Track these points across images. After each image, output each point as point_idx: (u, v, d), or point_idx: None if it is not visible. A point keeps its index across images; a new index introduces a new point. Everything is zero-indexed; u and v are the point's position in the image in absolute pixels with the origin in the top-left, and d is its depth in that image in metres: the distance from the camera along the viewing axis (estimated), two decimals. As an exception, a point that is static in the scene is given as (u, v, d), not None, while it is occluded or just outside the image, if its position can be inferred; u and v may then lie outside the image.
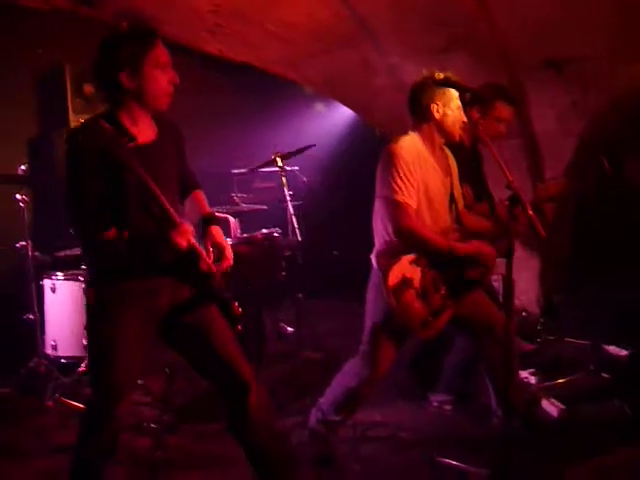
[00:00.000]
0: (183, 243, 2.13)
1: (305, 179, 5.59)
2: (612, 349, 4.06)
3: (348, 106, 5.79)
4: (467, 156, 3.24)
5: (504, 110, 3.34)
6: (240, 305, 2.40)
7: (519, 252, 5.09)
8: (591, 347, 4.10)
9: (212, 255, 2.31)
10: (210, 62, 5.28)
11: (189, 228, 2.18)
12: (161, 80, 2.18)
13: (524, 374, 3.70)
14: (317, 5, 4.36)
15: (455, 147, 2.95)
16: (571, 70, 4.13)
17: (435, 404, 3.45)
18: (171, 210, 2.17)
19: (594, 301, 4.71)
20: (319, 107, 6.48)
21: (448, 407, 3.42)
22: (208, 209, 2.49)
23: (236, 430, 2.43)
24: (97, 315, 2.29)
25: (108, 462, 2.47)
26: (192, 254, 2.19)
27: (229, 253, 2.35)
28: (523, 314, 4.87)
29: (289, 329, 4.64)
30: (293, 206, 4.45)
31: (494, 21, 4.19)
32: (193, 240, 2.18)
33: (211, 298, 2.32)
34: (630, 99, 4.31)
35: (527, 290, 5.16)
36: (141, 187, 2.12)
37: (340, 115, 6.35)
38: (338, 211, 6.02)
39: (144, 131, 2.25)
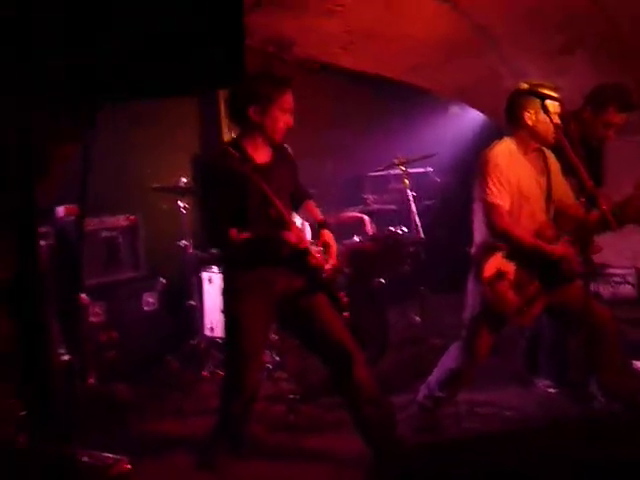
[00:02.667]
0: (294, 240, 2.65)
1: (438, 179, 5.92)
2: None
3: (478, 110, 6.03)
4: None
5: (615, 116, 3.37)
6: (363, 297, 2.88)
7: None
8: None
9: (322, 253, 2.82)
10: (345, 75, 5.77)
11: (299, 229, 2.71)
12: (280, 121, 2.74)
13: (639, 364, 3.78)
14: (438, 19, 4.69)
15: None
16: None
17: (541, 387, 3.68)
18: (286, 213, 2.70)
19: None
20: (453, 109, 6.75)
21: (552, 390, 3.63)
22: (320, 216, 3.01)
23: (343, 397, 2.90)
24: (227, 298, 2.89)
25: (246, 421, 3.05)
26: (303, 251, 2.71)
27: (334, 252, 2.84)
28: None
29: (417, 318, 5.00)
30: (424, 205, 4.85)
31: (611, 17, 4.27)
32: (304, 239, 2.71)
33: (319, 288, 2.82)
34: None
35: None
36: (261, 196, 2.67)
37: (474, 117, 6.57)
38: (469, 210, 6.24)
39: (262, 154, 2.82)
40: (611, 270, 5.29)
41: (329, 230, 2.93)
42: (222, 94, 5.23)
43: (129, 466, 2.31)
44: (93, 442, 2.48)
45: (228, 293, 2.91)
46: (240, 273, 2.83)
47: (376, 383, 2.89)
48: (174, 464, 3.09)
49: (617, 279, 5.35)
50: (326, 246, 2.86)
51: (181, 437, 3.41)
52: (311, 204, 3.06)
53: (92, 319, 4.19)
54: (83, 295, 4.14)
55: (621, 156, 4.57)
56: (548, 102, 2.89)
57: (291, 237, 2.68)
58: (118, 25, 0.87)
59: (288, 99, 2.75)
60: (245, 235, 2.69)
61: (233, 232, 2.69)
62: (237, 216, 2.74)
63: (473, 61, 5.18)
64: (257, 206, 2.72)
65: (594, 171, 3.59)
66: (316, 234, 2.92)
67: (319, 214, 3.02)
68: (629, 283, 5.30)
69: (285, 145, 2.96)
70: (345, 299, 2.87)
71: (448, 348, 3.31)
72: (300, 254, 2.72)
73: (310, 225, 2.97)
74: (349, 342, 2.83)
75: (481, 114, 6.28)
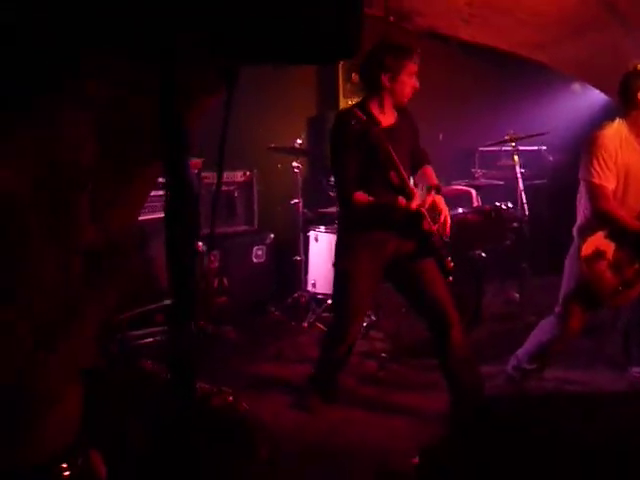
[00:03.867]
0: (413, 206, 2.81)
1: (551, 158, 5.84)
2: None
3: (599, 89, 5.84)
4: None
5: None
6: (463, 267, 3.01)
7: None
8: None
9: (434, 217, 2.96)
10: (464, 47, 5.76)
11: (419, 194, 2.86)
12: (408, 85, 2.92)
13: None
14: (564, -7, 4.61)
15: None
16: None
17: (633, 374, 3.66)
18: (407, 179, 2.86)
19: None
20: (575, 87, 6.56)
21: (646, 378, 3.61)
22: (436, 181, 3.13)
23: (439, 357, 3.07)
24: (341, 254, 3.12)
25: (341, 369, 3.30)
26: (418, 216, 2.86)
27: (446, 218, 2.96)
28: None
29: (515, 295, 5.03)
30: (533, 184, 4.85)
31: None
32: (421, 204, 2.85)
33: (429, 252, 2.98)
34: None
35: None
36: (386, 160, 2.84)
37: (595, 96, 6.36)
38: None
39: (388, 117, 3.00)
40: None
41: (441, 196, 3.06)
42: (341, 62, 5.43)
43: (232, 398, 2.60)
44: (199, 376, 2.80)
45: (342, 249, 3.13)
46: (357, 232, 3.04)
47: (470, 348, 3.02)
48: (272, 401, 3.38)
49: None
50: (439, 212, 2.99)
51: (279, 379, 3.70)
52: (429, 169, 3.18)
53: (208, 266, 4.56)
54: (200, 243, 4.52)
55: None
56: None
57: (412, 204, 2.83)
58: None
59: (414, 64, 2.92)
60: (369, 199, 2.88)
61: (358, 195, 2.89)
62: (362, 176, 2.92)
63: (597, 37, 5.03)
64: (381, 168, 2.88)
65: None
66: (429, 196, 3.02)
67: (435, 179, 3.15)
68: None
69: (407, 109, 3.10)
70: (451, 264, 3.01)
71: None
72: (415, 219, 2.89)
73: (423, 188, 3.09)
74: (450, 305, 2.98)
75: (602, 93, 6.08)
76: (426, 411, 3.29)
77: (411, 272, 3.02)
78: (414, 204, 2.83)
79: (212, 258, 4.63)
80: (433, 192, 3.02)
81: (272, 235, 4.91)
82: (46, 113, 1.50)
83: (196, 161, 4.62)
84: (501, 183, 5.23)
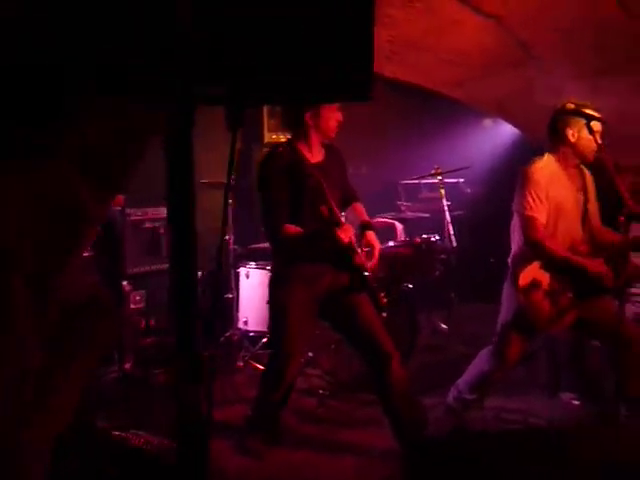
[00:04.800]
0: (345, 239, 2.80)
1: (469, 190, 6.03)
2: None
3: (512, 124, 6.13)
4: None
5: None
6: (396, 299, 3.02)
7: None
8: None
9: (365, 254, 2.97)
10: (386, 84, 5.91)
11: (350, 228, 2.85)
12: (332, 119, 2.91)
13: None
14: (481, 32, 4.80)
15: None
16: None
17: (564, 400, 3.77)
18: (338, 212, 2.85)
19: None
20: (487, 123, 6.86)
21: (576, 402, 3.72)
22: (366, 218, 3.16)
23: (379, 392, 3.04)
24: (276, 290, 3.05)
25: (282, 409, 3.20)
26: (350, 249, 2.86)
27: (377, 253, 2.99)
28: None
29: (443, 326, 5.12)
30: (453, 215, 4.98)
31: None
32: (352, 238, 2.85)
33: (362, 287, 2.97)
34: None
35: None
36: (316, 193, 2.81)
37: (507, 131, 6.68)
38: (498, 221, 6.36)
39: (315, 154, 3.00)
40: (635, 290, 5.36)
41: (373, 232, 3.07)
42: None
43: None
44: (133, 424, 2.65)
45: (276, 284, 3.07)
46: (290, 266, 2.99)
47: (408, 381, 3.01)
48: (211, 446, 3.23)
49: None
50: (371, 247, 3.00)
51: (216, 422, 3.55)
52: (359, 206, 3.21)
53: (132, 306, 4.36)
54: (125, 282, 4.34)
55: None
56: (593, 123, 3.01)
57: (343, 235, 2.82)
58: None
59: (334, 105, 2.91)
60: (297, 230, 2.85)
61: (289, 227, 2.85)
62: (290, 210, 2.90)
63: (512, 76, 5.28)
64: (311, 203, 2.87)
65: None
66: (361, 235, 3.05)
67: (365, 216, 3.16)
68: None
69: (336, 147, 3.11)
70: (384, 300, 3.01)
71: (473, 356, 3.44)
72: (347, 252, 2.87)
73: (354, 226, 3.11)
74: (387, 339, 2.97)
75: (513, 128, 6.39)
76: (371, 448, 3.25)
77: (345, 307, 3.00)
78: (345, 236, 2.81)
79: (137, 298, 4.44)
80: (366, 229, 3.07)
81: (200, 272, 4.77)
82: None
83: (119, 198, 4.45)
84: (427, 215, 5.34)
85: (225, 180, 4.57)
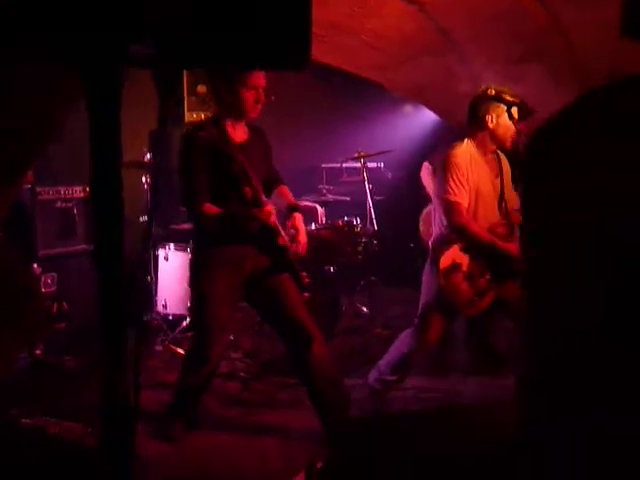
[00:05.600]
0: (267, 219, 2.75)
1: (390, 175, 6.10)
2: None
3: (432, 110, 6.23)
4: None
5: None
6: (318, 282, 3.01)
7: None
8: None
9: (290, 235, 2.93)
10: (309, 67, 5.86)
11: (273, 208, 2.81)
12: (248, 98, 2.82)
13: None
14: (404, 18, 4.83)
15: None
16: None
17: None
18: (261, 194, 2.79)
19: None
20: (407, 108, 6.94)
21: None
22: (292, 200, 3.11)
23: (301, 374, 3.02)
24: (198, 273, 2.98)
25: (203, 394, 3.14)
26: (273, 230, 2.82)
27: (302, 237, 2.97)
28: None
29: (364, 309, 5.17)
30: (374, 200, 5.02)
31: (567, 36, 4.53)
32: (274, 219, 2.81)
33: (285, 268, 2.94)
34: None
35: None
36: (239, 174, 2.75)
37: (426, 117, 6.79)
38: (418, 206, 6.48)
39: (239, 134, 2.92)
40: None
41: (300, 214, 3.04)
42: (186, 72, 5.28)
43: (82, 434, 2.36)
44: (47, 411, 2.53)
45: (198, 268, 2.99)
46: (211, 249, 2.92)
47: (332, 362, 3.02)
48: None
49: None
50: (296, 229, 2.96)
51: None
52: (285, 188, 3.16)
53: (44, 289, 4.16)
54: (35, 265, 4.13)
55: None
56: (513, 109, 3.09)
57: (263, 214, 2.77)
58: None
59: (251, 76, 2.80)
60: (218, 210, 2.77)
61: (207, 207, 2.77)
62: (213, 192, 2.81)
63: (432, 62, 5.36)
64: (234, 183, 2.80)
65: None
66: (288, 217, 3.01)
67: (292, 198, 3.12)
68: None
69: (261, 127, 3.04)
70: (307, 280, 2.99)
71: (393, 338, 3.49)
72: (269, 233, 2.83)
73: (280, 209, 3.07)
74: (309, 320, 2.96)
75: (432, 114, 6.50)
76: (294, 429, 3.25)
77: (267, 288, 2.97)
78: (267, 217, 2.78)
79: (49, 281, 4.24)
80: (293, 211, 3.03)
81: (117, 254, 4.59)
82: None
83: (28, 175, 4.22)
84: (347, 199, 5.37)
85: (141, 158, 4.38)
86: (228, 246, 2.89)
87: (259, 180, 2.91)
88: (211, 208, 2.80)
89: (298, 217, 3.01)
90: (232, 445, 3.10)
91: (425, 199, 4.82)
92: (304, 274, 3.03)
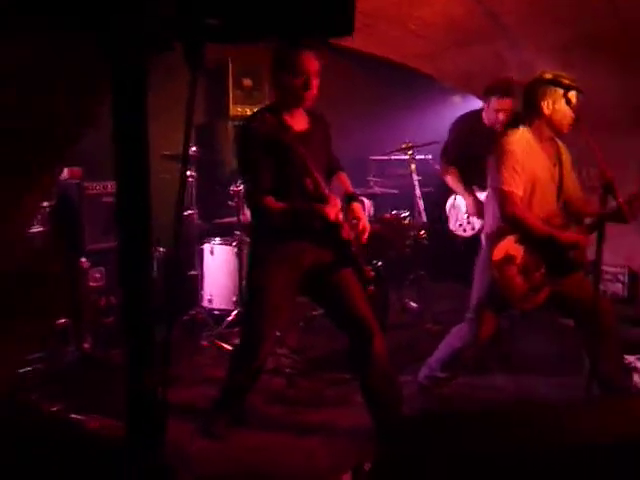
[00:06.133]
0: (332, 214, 2.65)
1: (438, 167, 5.93)
2: None
3: (481, 99, 6.04)
4: None
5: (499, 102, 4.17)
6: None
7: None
8: None
9: (352, 225, 2.82)
10: (356, 58, 5.77)
11: (337, 202, 2.70)
12: (297, 85, 2.70)
13: (631, 359, 3.85)
14: (452, 3, 4.70)
15: None
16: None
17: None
18: (323, 186, 2.69)
19: None
20: (455, 99, 6.76)
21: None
22: (351, 189, 3.01)
23: (359, 370, 2.92)
24: (254, 267, 2.90)
25: (249, 391, 3.08)
26: (336, 224, 2.70)
27: (365, 226, 2.84)
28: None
29: (413, 304, 5.04)
30: (423, 192, 4.88)
31: (622, 18, 4.30)
32: (339, 213, 2.70)
33: (348, 262, 2.83)
34: None
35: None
36: (299, 166, 2.66)
37: (475, 107, 6.58)
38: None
39: (298, 122, 2.81)
40: (604, 267, 5.35)
41: (359, 204, 2.92)
42: (232, 66, 5.23)
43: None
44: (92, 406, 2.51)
45: (255, 261, 2.92)
46: (271, 243, 2.83)
47: (389, 360, 2.91)
48: (174, 429, 3.07)
49: (609, 277, 5.41)
50: (357, 219, 2.86)
51: (180, 404, 3.39)
52: (344, 176, 3.05)
53: (92, 284, 4.18)
54: (83, 259, 4.14)
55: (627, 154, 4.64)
56: (570, 93, 2.92)
57: (330, 212, 2.66)
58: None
59: (304, 61, 2.69)
60: (281, 205, 2.69)
61: (269, 200, 2.69)
62: (275, 184, 2.72)
63: (481, 49, 5.19)
64: (295, 175, 2.70)
65: None
66: (347, 207, 2.89)
67: (350, 186, 3.01)
68: (620, 282, 5.37)
69: (321, 114, 2.94)
70: (371, 273, 2.88)
71: (443, 334, 3.37)
72: (333, 228, 2.72)
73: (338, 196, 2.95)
74: (371, 316, 2.86)
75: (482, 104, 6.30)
76: (340, 427, 3.17)
77: (330, 283, 2.86)
78: (332, 213, 2.67)
79: (97, 275, 4.25)
80: (352, 200, 2.91)
81: (161, 249, 4.58)
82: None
83: (75, 170, 4.24)
84: (395, 191, 5.24)
85: (191, 152, 4.34)
86: (289, 241, 2.81)
87: (321, 170, 2.81)
88: (274, 203, 2.71)
89: (357, 207, 2.89)
90: (277, 443, 3.03)
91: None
92: (368, 268, 2.92)
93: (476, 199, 4.24)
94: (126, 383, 0.99)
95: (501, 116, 4.14)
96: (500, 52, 5.15)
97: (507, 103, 4.14)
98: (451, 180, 4.42)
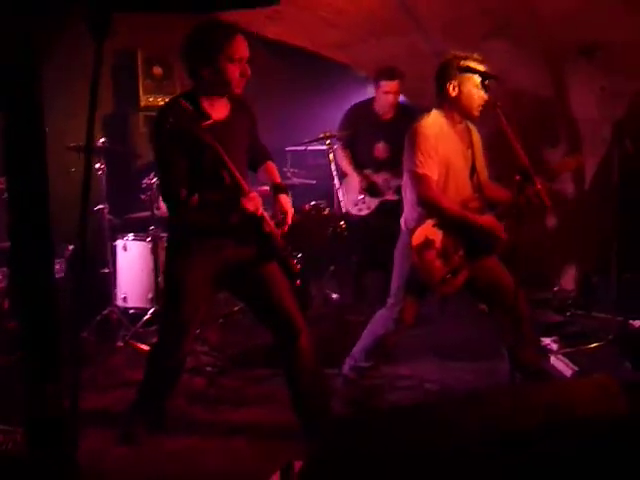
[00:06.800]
0: (251, 208, 2.54)
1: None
2: (637, 323, 4.25)
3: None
4: None
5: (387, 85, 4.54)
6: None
7: (561, 232, 5.32)
8: (616, 321, 4.27)
9: (277, 219, 2.72)
10: (270, 46, 5.66)
11: (256, 196, 2.58)
12: (233, 72, 2.55)
13: (547, 341, 3.97)
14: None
15: None
16: (605, 56, 4.31)
17: None
18: (241, 179, 2.57)
19: (627, 281, 4.78)
20: (371, 89, 6.77)
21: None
22: (279, 179, 2.89)
23: (285, 367, 2.84)
24: (172, 262, 2.76)
25: (171, 391, 2.94)
26: (257, 217, 2.59)
27: (290, 219, 2.75)
28: (555, 289, 5.10)
29: (334, 295, 5.00)
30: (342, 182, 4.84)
31: (535, 9, 4.41)
32: (260, 206, 2.58)
33: (272, 255, 2.72)
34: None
35: (564, 268, 5.38)
36: (215, 157, 2.53)
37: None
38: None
39: (219, 110, 2.65)
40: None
41: (286, 195, 2.83)
42: (141, 53, 5.01)
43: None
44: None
45: (172, 257, 2.76)
46: (188, 237, 2.69)
47: (316, 355, 2.84)
48: (91, 437, 2.91)
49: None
50: (284, 213, 2.76)
51: (96, 410, 3.22)
52: (272, 166, 2.93)
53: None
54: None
55: (537, 143, 4.77)
56: (478, 76, 2.94)
57: (247, 204, 2.55)
58: None
59: (235, 48, 2.53)
60: (196, 198, 2.56)
61: (184, 193, 2.55)
62: (191, 177, 2.58)
63: (396, 40, 5.20)
64: (211, 167, 2.57)
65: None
66: (274, 199, 2.78)
67: (278, 177, 2.91)
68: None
69: (244, 99, 2.79)
70: (297, 267, 2.80)
71: (365, 324, 3.33)
72: (253, 221, 2.61)
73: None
74: (297, 311, 2.78)
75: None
76: (265, 426, 3.08)
77: (254, 278, 2.76)
78: (250, 205, 2.56)
79: (-1, 277, 3.97)
80: (278, 191, 2.80)
81: (71, 246, 4.33)
82: None
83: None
84: (314, 182, 5.19)
85: (96, 143, 4.11)
86: (208, 234, 2.67)
87: (241, 160, 2.68)
88: (190, 196, 2.57)
89: (284, 198, 2.78)
90: (201, 447, 2.90)
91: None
92: (294, 261, 2.82)
93: (367, 178, 4.59)
94: (25, 395, 0.87)
95: (390, 98, 4.52)
96: (414, 43, 5.18)
97: (395, 85, 4.52)
98: (345, 163, 4.71)
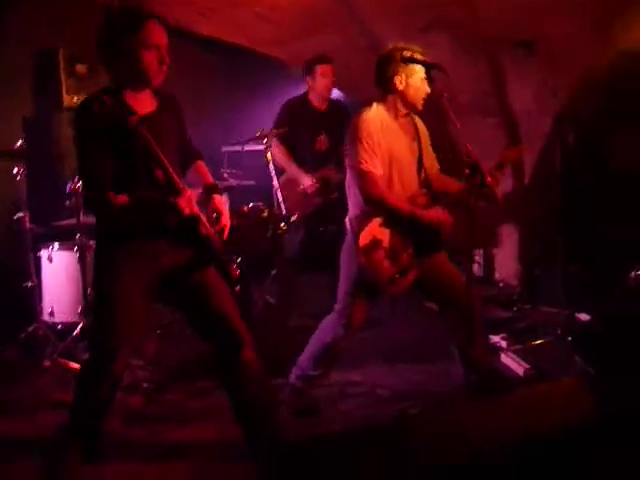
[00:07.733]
0: (186, 208, 2.32)
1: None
2: (583, 316, 4.25)
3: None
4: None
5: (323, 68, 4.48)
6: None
7: (502, 227, 5.33)
8: (563, 315, 4.28)
9: (212, 220, 2.50)
10: (203, 44, 5.44)
11: (192, 195, 2.36)
12: (152, 60, 2.34)
13: (495, 338, 3.91)
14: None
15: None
16: (542, 50, 4.31)
17: None
18: (175, 177, 2.35)
19: (572, 274, 4.80)
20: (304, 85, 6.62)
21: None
22: (210, 179, 2.67)
23: (229, 380, 2.62)
24: (101, 272, 2.50)
25: (106, 413, 2.68)
26: (193, 219, 2.37)
27: (226, 220, 2.54)
28: (500, 285, 5.08)
29: (271, 300, 4.80)
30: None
31: (473, 2, 4.37)
32: (195, 206, 2.37)
33: (210, 260, 2.51)
34: (602, 78, 4.45)
35: (507, 263, 5.38)
36: (147, 155, 2.30)
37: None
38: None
39: (144, 104, 2.43)
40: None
41: (219, 195, 2.61)
42: (62, 51, 4.70)
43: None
44: None
45: (102, 266, 2.50)
46: (117, 244, 2.44)
47: (262, 367, 2.64)
48: (17, 468, 2.64)
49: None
50: (218, 212, 2.55)
51: (21, 437, 2.95)
52: (202, 165, 2.71)
53: None
54: None
55: (475, 136, 4.72)
56: (420, 67, 2.85)
57: (183, 204, 2.33)
58: None
59: (149, 33, 2.31)
60: (124, 199, 2.33)
61: (111, 195, 2.30)
62: (119, 176, 2.35)
63: (333, 34, 5.09)
64: (141, 165, 2.35)
65: None
66: (207, 199, 2.56)
67: (210, 177, 2.69)
68: (477, 262, 5.52)
69: (172, 95, 2.57)
70: (237, 272, 2.59)
71: (309, 328, 3.18)
72: (190, 223, 2.39)
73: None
74: (239, 321, 2.56)
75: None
76: (208, 444, 2.88)
77: (191, 286, 2.53)
78: (187, 206, 2.35)
79: None
80: (212, 192, 2.57)
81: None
82: None
83: None
84: (252, 183, 5.00)
85: (11, 146, 3.77)
86: (140, 240, 2.44)
87: (172, 158, 2.45)
88: (117, 196, 2.33)
89: (218, 199, 2.56)
90: (140, 471, 2.68)
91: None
92: (233, 267, 2.61)
93: (305, 174, 4.47)
94: None
95: (328, 82, 4.48)
96: (352, 37, 5.07)
97: (330, 68, 4.48)
98: (282, 158, 4.55)
